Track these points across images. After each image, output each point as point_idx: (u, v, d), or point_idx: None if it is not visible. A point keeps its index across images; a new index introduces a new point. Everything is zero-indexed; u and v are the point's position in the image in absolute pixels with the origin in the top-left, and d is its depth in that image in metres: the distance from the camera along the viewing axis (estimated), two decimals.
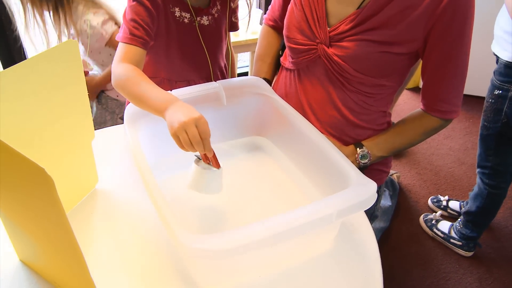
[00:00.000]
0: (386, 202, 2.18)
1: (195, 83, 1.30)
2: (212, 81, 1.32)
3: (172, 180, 0.93)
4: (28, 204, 0.64)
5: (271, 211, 0.97)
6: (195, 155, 0.91)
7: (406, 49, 0.98)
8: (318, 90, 1.09)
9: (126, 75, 0.98)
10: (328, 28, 1.03)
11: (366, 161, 1.07)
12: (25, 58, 2.27)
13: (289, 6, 1.13)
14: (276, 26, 1.28)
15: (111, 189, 1.03)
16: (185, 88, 1.06)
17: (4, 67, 2.20)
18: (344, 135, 1.09)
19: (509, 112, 1.61)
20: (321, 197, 0.95)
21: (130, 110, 1.00)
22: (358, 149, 1.07)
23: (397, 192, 2.32)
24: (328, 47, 1.03)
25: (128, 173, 1.07)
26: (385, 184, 2.16)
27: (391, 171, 2.41)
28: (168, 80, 1.28)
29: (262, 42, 1.30)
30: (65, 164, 0.93)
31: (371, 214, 1.26)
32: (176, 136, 0.82)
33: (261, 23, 2.50)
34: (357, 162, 1.06)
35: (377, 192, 1.23)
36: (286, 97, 1.17)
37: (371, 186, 0.80)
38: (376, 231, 2.03)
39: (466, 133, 2.88)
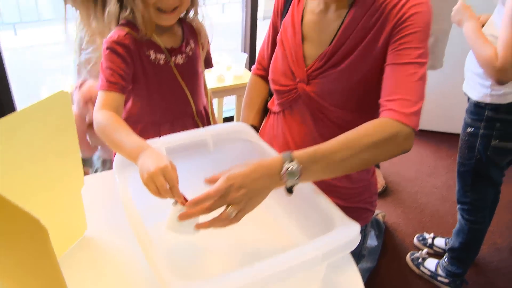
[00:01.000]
0: (372, 242, 2.20)
1: (179, 123, 1.33)
2: (196, 118, 1.36)
3: (163, 226, 0.95)
4: (19, 255, 0.64)
5: (257, 253, 0.98)
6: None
7: (369, 74, 1.04)
8: (303, 129, 1.15)
9: (104, 122, 1.05)
10: (306, 68, 1.10)
11: (295, 178, 0.85)
12: (14, 103, 2.29)
13: (274, 54, 1.21)
14: (265, 75, 1.34)
15: (100, 237, 1.04)
16: (172, 135, 1.09)
17: None
18: None
19: (481, 149, 1.67)
20: (306, 239, 0.96)
21: (119, 156, 1.03)
22: (286, 163, 0.85)
23: (383, 231, 2.34)
24: (306, 85, 1.11)
25: (118, 220, 1.07)
26: (370, 224, 2.20)
27: (376, 211, 2.43)
28: (152, 123, 1.31)
29: (251, 91, 1.36)
30: (54, 212, 0.94)
31: (358, 253, 1.28)
32: (147, 185, 0.87)
33: (246, 67, 2.57)
34: (284, 181, 0.86)
35: (364, 231, 1.26)
36: (273, 139, 1.22)
37: (355, 227, 0.83)
38: (363, 271, 2.04)
39: (448, 171, 2.94)
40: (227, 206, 0.84)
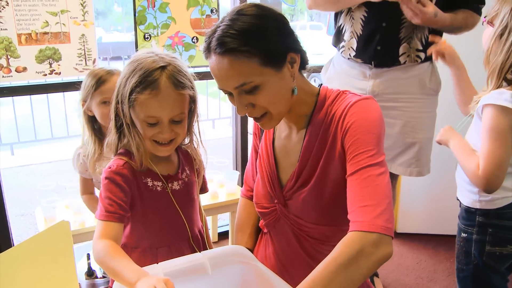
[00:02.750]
0: None
1: (176, 247, 1.33)
2: (191, 242, 1.35)
3: None
4: None
5: None
6: None
7: (336, 188, 1.08)
8: (288, 247, 1.20)
9: (103, 252, 1.07)
10: (281, 189, 1.17)
11: None
12: (8, 224, 2.28)
13: (257, 177, 1.28)
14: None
15: None
16: (171, 260, 1.10)
17: None
18: None
19: (477, 255, 1.67)
20: None
21: (118, 285, 1.03)
22: None
23: None
24: (284, 206, 1.17)
25: None
26: None
27: None
28: (150, 248, 1.31)
29: (241, 213, 1.39)
30: None
31: None
32: None
33: (238, 184, 2.63)
34: None
35: None
36: (265, 259, 1.24)
37: None
38: None
39: (449, 274, 2.88)
40: None
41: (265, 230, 1.26)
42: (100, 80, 1.74)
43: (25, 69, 2.08)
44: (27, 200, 4.19)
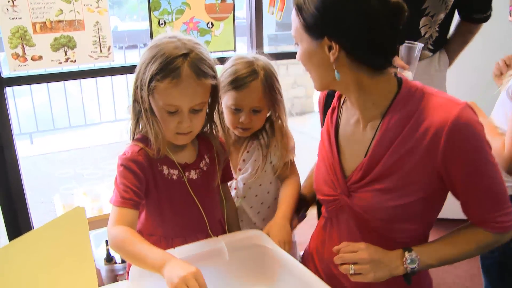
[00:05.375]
0: None
1: (192, 238, 1.26)
2: (209, 234, 1.28)
3: None
4: None
5: None
6: None
7: (415, 195, 1.03)
8: (348, 238, 1.12)
9: (121, 237, 1.06)
10: (345, 179, 1.12)
11: (414, 266, 1.03)
12: (28, 210, 2.31)
13: (317, 162, 1.25)
14: None
15: None
16: (187, 245, 1.10)
17: (9, 230, 2.18)
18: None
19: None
20: None
21: (134, 269, 1.03)
22: (406, 252, 1.03)
23: None
24: (348, 198, 1.11)
25: None
26: None
27: None
28: (165, 237, 1.27)
29: (308, 180, 1.46)
30: None
31: None
32: None
33: None
34: (405, 266, 1.03)
35: None
36: (320, 243, 1.23)
37: None
38: None
39: (470, 259, 2.84)
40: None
41: (326, 215, 1.22)
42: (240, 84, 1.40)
43: (40, 57, 2.08)
44: (47, 188, 4.25)
